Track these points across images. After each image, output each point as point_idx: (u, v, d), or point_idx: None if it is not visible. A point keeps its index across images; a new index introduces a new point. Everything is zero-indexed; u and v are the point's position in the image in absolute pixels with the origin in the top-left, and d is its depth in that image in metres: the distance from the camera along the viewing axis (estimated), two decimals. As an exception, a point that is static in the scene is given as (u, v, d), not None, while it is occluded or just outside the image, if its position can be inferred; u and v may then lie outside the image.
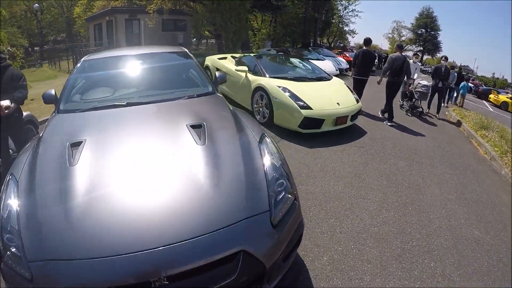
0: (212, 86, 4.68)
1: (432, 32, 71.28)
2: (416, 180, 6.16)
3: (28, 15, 41.24)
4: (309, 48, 23.17)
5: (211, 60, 11.86)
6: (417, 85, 11.37)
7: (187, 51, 5.72)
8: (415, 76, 11.78)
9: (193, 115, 3.53)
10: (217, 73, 5.32)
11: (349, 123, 8.05)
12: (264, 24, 39.15)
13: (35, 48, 44.84)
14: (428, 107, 12.48)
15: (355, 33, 59.56)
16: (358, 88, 10.27)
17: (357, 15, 56.32)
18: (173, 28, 24.50)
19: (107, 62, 5.14)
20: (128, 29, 22.59)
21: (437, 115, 12.05)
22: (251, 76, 8.91)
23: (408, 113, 11.48)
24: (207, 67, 11.81)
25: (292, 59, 10.94)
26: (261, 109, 8.31)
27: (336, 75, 15.06)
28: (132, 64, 5.06)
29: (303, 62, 10.64)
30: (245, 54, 10.26)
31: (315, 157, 6.71)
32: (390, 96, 9.80)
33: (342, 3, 52.88)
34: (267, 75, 8.59)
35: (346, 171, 6.19)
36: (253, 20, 39.44)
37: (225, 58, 11.57)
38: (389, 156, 7.22)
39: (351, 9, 53.96)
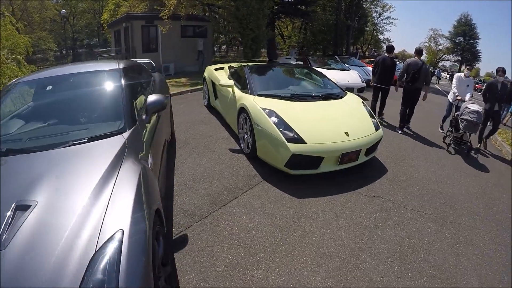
0: (123, 122, 3.40)
1: (471, 41, 66.89)
2: (448, 261, 3.92)
3: (59, 20, 40.61)
4: (335, 56, 20.81)
5: (208, 71, 9.93)
6: (464, 110, 7.84)
7: (121, 70, 4.34)
8: (467, 96, 8.56)
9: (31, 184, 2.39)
10: (149, 98, 3.78)
11: (362, 159, 5.90)
12: (294, 31, 37.02)
13: (63, 52, 44.32)
14: (480, 142, 8.95)
15: (390, 41, 56.45)
16: (377, 97, 10.04)
17: (392, 22, 53.13)
18: (192, 35, 22.76)
19: (27, 88, 4.34)
20: (145, 36, 21.09)
21: (481, 145, 8.92)
22: (238, 93, 6.98)
23: (451, 148, 8.23)
24: (204, 79, 10.16)
25: (300, 70, 8.86)
26: (245, 136, 6.37)
27: (361, 88, 13.14)
28: (44, 92, 4.20)
29: (314, 74, 8.50)
30: (243, 65, 8.23)
31: (300, 214, 4.65)
32: (404, 103, 9.25)
33: (376, 10, 50.24)
34: (254, 92, 6.59)
35: (339, 243, 4.05)
36: (283, 27, 37.55)
37: (221, 68, 9.60)
38: (412, 213, 4.97)
39: (385, 16, 51.21)
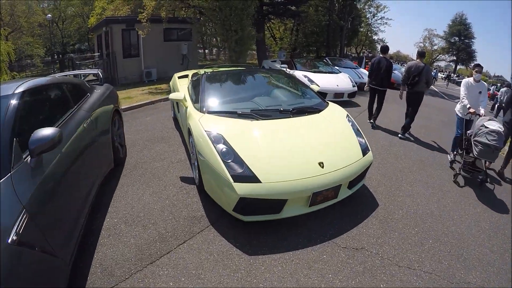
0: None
1: (466, 40, 65.18)
2: None
3: (48, 24, 39.17)
4: (326, 58, 19.29)
5: (173, 79, 8.63)
6: (479, 129, 5.80)
7: (17, 96, 3.20)
8: (482, 109, 6.51)
9: None
10: (34, 135, 2.70)
11: (344, 195, 4.44)
12: (286, 32, 35.46)
13: (53, 56, 42.91)
14: (504, 168, 6.85)
15: (384, 42, 54.72)
16: (373, 100, 9.53)
17: (386, 23, 51.23)
18: (176, 38, 21.36)
19: None
20: (125, 40, 19.75)
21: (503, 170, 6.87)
22: (189, 108, 5.51)
23: (459, 176, 6.23)
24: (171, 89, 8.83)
25: (273, 77, 7.19)
26: (195, 163, 4.90)
27: (352, 93, 12.03)
28: None
29: (290, 82, 6.95)
30: (201, 72, 6.84)
31: (248, 282, 3.27)
32: (408, 109, 8.72)
33: (370, 10, 48.55)
34: (205, 109, 5.10)
35: None
36: (275, 28, 35.99)
37: (186, 76, 8.17)
38: (407, 273, 3.52)
39: (379, 17, 49.46)
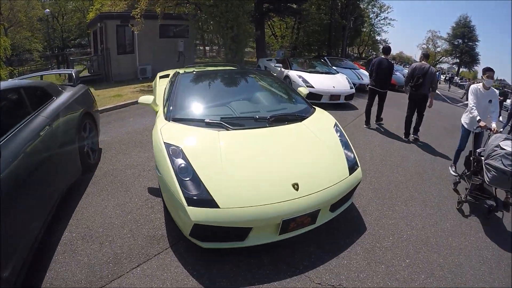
0: None
1: (470, 43, 64.23)
2: None
3: (50, 19, 38.65)
4: (325, 58, 18.55)
5: (155, 78, 8.01)
6: (493, 150, 4.68)
7: None
8: (493, 123, 5.57)
9: None
10: None
11: (324, 219, 3.77)
12: (288, 31, 34.64)
13: (53, 51, 42.34)
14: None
15: (387, 43, 53.87)
16: (372, 101, 9.28)
17: (389, 23, 50.31)
18: (172, 35, 20.63)
19: None
20: (120, 36, 19.09)
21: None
22: (157, 115, 4.93)
23: (463, 202, 5.14)
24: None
25: (259, 78, 6.45)
26: (161, 178, 4.21)
27: (350, 95, 11.40)
28: None
29: (277, 84, 6.26)
30: (186, 71, 6.21)
31: None
32: (409, 112, 8.49)
33: (373, 10, 47.78)
34: (169, 115, 4.48)
35: None
36: (276, 26, 35.24)
37: (168, 76, 7.45)
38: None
39: (383, 17, 48.67)
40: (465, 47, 63.70)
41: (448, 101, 21.01)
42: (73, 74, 6.77)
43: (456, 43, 65.28)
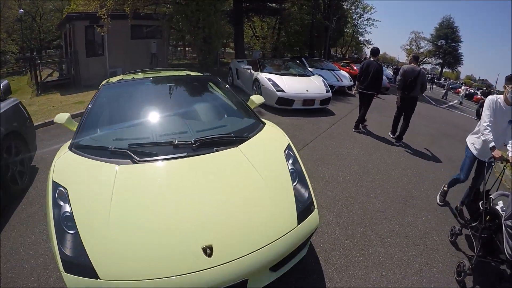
0: None
1: (453, 44, 63.49)
2: None
3: (24, 19, 36.98)
4: (302, 58, 17.25)
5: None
6: None
7: None
8: (510, 154, 3.84)
9: None
10: None
11: (258, 284, 2.53)
12: (269, 31, 33.28)
13: (28, 53, 40.62)
14: None
15: (370, 44, 52.75)
16: (363, 105, 8.85)
17: (372, 24, 49.00)
18: (144, 36, 19.31)
19: None
20: (89, 38, 17.69)
21: None
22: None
23: (464, 262, 3.38)
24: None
25: (199, 87, 5.26)
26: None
27: (325, 100, 10.28)
28: None
29: (221, 93, 4.99)
30: (111, 80, 5.10)
31: None
32: (398, 113, 8.34)
33: (357, 11, 46.69)
34: (72, 142, 3.39)
35: None
36: (258, 26, 33.88)
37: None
38: None
39: (366, 18, 47.61)
40: (448, 47, 63.07)
41: (433, 102, 20.07)
42: (1, 87, 5.48)
43: (439, 43, 64.63)
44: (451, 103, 24.02)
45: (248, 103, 4.85)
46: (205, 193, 2.75)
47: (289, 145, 3.63)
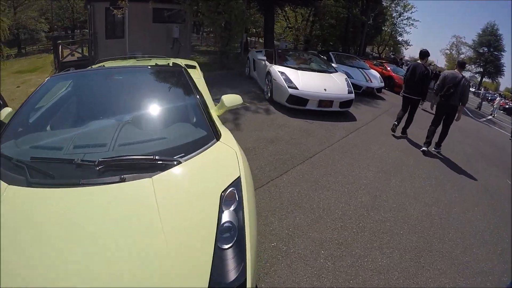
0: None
1: (495, 53, 58.62)
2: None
3: (60, -1, 36.97)
4: (329, 53, 15.36)
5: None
6: None
7: None
8: None
9: None
10: None
11: None
12: (302, 23, 31.19)
13: (61, 32, 40.43)
14: None
15: (408, 45, 50.09)
16: (406, 109, 8.09)
17: (412, 24, 46.29)
18: (166, 19, 18.20)
19: None
20: (109, 20, 17.14)
21: None
22: None
23: None
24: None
25: (160, 83, 3.96)
26: None
27: (346, 102, 8.79)
28: None
29: (185, 91, 3.67)
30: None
31: None
32: (434, 122, 7.38)
33: (397, 9, 44.10)
34: None
35: None
36: (293, 17, 31.87)
37: None
38: None
39: (406, 17, 44.93)
40: (490, 56, 58.64)
41: (470, 114, 18.12)
42: None
43: (481, 51, 60.24)
44: (489, 117, 22.00)
45: (217, 106, 3.75)
46: (81, 248, 1.81)
47: (238, 180, 2.29)
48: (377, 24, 34.91)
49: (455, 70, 7.19)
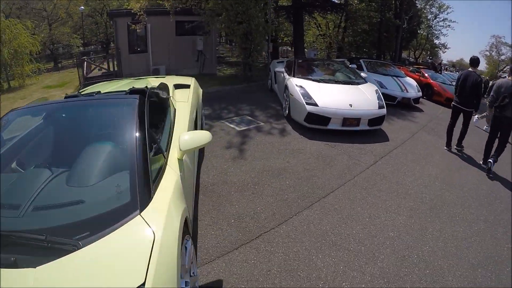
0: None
1: (539, 52, 54.91)
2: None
3: (95, 14, 37.27)
4: (360, 60, 13.78)
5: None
6: None
7: None
8: None
9: None
10: None
11: None
12: (334, 30, 29.35)
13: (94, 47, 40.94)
14: None
15: (446, 48, 47.05)
16: (455, 121, 7.28)
17: (449, 25, 43.24)
18: (190, 32, 17.29)
19: None
20: (132, 34, 16.45)
21: None
22: None
23: None
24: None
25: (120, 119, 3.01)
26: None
27: (376, 119, 7.36)
28: None
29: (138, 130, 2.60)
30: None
31: None
32: (491, 136, 6.58)
33: (432, 10, 41.51)
34: None
35: None
36: (324, 24, 30.26)
37: None
38: None
39: (442, 18, 42.15)
40: (534, 55, 54.71)
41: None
42: None
43: (523, 50, 56.37)
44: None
45: (170, 149, 3.02)
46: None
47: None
48: (412, 27, 32.82)
49: (509, 78, 6.33)
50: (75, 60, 28.78)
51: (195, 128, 4.73)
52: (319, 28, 29.59)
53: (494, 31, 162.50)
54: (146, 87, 3.73)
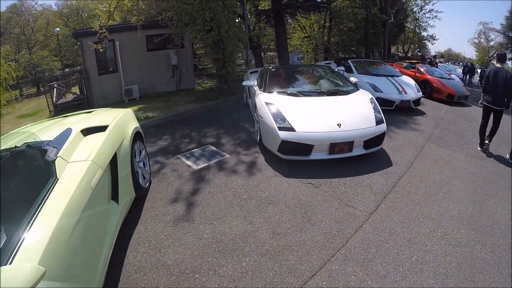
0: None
1: (530, 34, 53.09)
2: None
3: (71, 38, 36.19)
4: (348, 61, 11.87)
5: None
6: None
7: None
8: None
9: None
10: None
11: None
12: (319, 30, 27.52)
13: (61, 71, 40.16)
14: None
15: (435, 39, 45.16)
16: (487, 120, 6.63)
17: (436, 16, 41.46)
18: (162, 46, 15.54)
19: None
20: (100, 54, 14.34)
21: None
22: None
23: None
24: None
25: None
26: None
27: (374, 139, 5.48)
28: None
29: None
30: None
31: None
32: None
33: (417, 3, 39.65)
34: None
35: None
36: (307, 25, 28.51)
37: None
38: None
39: (427, 10, 40.27)
40: (524, 38, 52.92)
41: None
42: None
43: (511, 34, 54.66)
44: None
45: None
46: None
47: None
48: (398, 21, 31.03)
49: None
50: (42, 87, 27.51)
51: (114, 195, 3.31)
52: (304, 30, 27.84)
53: (481, 18, 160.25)
54: (15, 146, 2.74)
